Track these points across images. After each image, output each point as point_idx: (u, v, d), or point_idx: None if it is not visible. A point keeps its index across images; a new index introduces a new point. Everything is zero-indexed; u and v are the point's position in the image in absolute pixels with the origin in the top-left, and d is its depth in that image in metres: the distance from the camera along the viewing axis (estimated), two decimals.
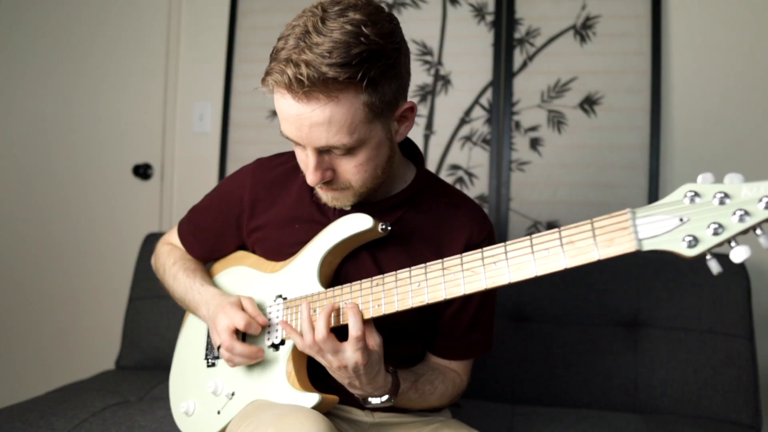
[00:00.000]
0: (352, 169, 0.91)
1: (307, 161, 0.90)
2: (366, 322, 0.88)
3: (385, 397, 0.93)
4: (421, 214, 1.03)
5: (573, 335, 1.55)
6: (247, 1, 2.10)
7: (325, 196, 0.97)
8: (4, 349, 2.37)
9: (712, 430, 1.35)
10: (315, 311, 0.93)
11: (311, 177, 0.90)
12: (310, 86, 0.81)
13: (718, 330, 1.47)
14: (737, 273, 1.49)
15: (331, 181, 0.93)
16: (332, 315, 0.90)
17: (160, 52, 2.21)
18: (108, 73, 2.26)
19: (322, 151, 0.89)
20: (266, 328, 1.01)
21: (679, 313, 1.50)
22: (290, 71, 0.81)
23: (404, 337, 1.04)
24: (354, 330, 0.85)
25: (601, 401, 1.50)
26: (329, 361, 0.88)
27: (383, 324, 0.91)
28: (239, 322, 0.96)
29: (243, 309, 0.99)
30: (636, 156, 1.80)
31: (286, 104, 0.85)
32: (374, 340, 0.89)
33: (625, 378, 1.49)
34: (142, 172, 2.21)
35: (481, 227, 1.03)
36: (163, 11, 2.20)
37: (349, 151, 0.88)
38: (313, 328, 0.88)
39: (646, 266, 1.55)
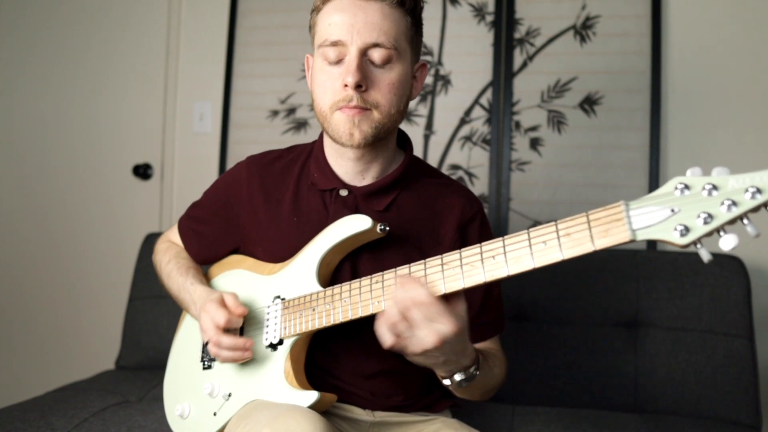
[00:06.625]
0: (384, 87, 0.97)
1: (347, 67, 0.94)
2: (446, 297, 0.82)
3: (472, 368, 0.89)
4: (414, 194, 1.07)
5: (573, 335, 1.55)
6: (247, 1, 2.10)
7: (349, 121, 0.96)
8: (4, 349, 2.37)
9: (712, 430, 1.35)
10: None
11: (352, 77, 0.93)
12: None
13: (718, 330, 1.47)
14: (737, 273, 1.49)
15: (363, 91, 0.95)
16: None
17: (160, 52, 2.21)
18: (108, 73, 2.26)
19: (362, 57, 0.94)
20: (264, 328, 1.01)
21: (679, 313, 1.50)
22: None
23: None
24: (423, 296, 0.78)
25: (601, 401, 1.50)
26: (420, 339, 0.79)
27: None
28: (219, 319, 0.96)
29: (224, 305, 0.99)
30: (636, 156, 1.80)
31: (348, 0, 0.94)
32: (462, 306, 0.82)
33: (625, 378, 1.49)
34: (142, 172, 2.21)
35: (472, 203, 1.09)
36: (163, 11, 2.20)
37: (387, 62, 0.96)
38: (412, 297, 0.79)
39: (646, 266, 1.55)
